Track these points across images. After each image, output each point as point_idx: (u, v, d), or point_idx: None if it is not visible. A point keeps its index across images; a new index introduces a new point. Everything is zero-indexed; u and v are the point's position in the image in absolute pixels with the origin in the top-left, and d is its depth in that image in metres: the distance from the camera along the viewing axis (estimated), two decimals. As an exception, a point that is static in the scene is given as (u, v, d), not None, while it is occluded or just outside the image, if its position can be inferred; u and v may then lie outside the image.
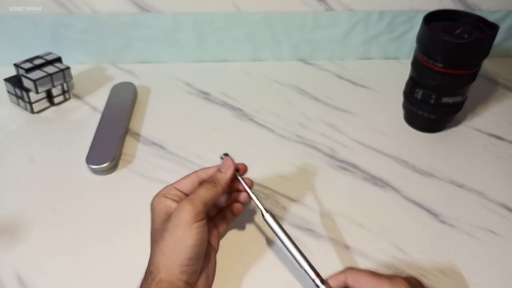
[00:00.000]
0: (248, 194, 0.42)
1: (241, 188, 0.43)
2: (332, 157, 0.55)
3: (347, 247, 0.45)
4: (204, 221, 0.38)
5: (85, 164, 0.52)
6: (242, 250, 0.45)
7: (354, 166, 0.54)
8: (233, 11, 0.68)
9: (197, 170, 0.43)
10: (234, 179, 0.42)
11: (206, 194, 0.39)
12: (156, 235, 0.38)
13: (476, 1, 0.69)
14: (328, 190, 0.51)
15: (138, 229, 0.46)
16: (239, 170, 0.43)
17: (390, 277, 0.35)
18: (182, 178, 0.42)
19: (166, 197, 0.40)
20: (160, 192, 0.41)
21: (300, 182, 0.52)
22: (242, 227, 0.47)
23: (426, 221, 0.48)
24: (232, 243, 0.45)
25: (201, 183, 0.42)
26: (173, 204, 0.39)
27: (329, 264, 0.43)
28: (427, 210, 0.49)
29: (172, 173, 0.53)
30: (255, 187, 0.51)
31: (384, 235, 0.46)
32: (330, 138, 0.58)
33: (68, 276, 0.42)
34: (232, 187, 0.43)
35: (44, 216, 0.47)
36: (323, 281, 0.36)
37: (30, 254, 0.44)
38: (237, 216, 0.45)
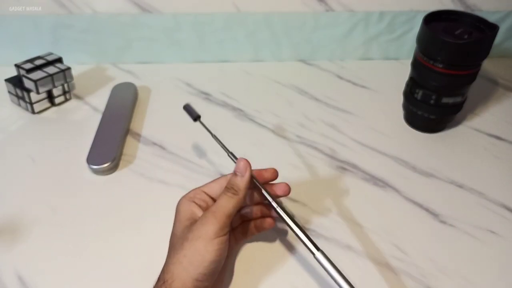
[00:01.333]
0: (274, 207, 0.38)
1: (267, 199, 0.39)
2: (332, 157, 0.56)
3: (347, 247, 0.45)
4: (227, 236, 0.36)
5: (85, 164, 0.52)
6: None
7: (354, 166, 0.54)
8: (233, 11, 0.68)
9: (227, 174, 0.40)
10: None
11: (228, 204, 0.36)
12: (176, 242, 0.37)
13: (476, 1, 0.69)
14: (328, 190, 0.51)
15: (138, 229, 0.46)
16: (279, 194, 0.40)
17: None
18: (211, 181, 0.40)
19: (193, 201, 0.38)
20: (187, 194, 0.39)
21: (300, 182, 0.52)
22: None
23: (426, 221, 0.48)
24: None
25: None
26: (198, 211, 0.38)
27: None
28: (427, 210, 0.49)
29: (172, 173, 0.53)
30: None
31: (384, 235, 0.46)
32: (330, 138, 0.59)
33: (68, 276, 0.42)
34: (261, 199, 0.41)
35: (44, 216, 0.47)
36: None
37: (31, 254, 0.44)
38: (261, 232, 0.43)
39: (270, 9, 0.68)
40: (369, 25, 0.71)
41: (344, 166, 0.54)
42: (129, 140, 0.58)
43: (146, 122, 0.61)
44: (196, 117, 0.42)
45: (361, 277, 0.42)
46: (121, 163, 0.54)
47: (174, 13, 0.67)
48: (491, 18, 0.57)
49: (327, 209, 0.49)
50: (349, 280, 0.35)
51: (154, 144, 0.57)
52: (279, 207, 0.38)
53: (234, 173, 0.39)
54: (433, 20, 0.55)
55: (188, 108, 0.44)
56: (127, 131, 0.58)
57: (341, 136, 0.59)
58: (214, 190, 0.40)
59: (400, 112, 0.62)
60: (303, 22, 0.70)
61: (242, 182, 0.38)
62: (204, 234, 0.35)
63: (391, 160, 0.55)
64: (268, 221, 0.42)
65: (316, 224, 0.47)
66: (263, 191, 0.39)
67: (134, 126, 0.60)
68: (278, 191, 0.41)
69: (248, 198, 0.42)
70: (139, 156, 0.55)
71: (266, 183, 0.42)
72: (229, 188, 0.38)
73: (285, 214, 0.38)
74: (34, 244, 0.45)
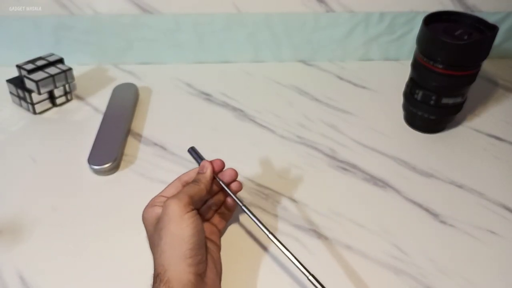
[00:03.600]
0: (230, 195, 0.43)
1: (226, 187, 0.43)
2: (333, 158, 0.56)
3: (347, 247, 0.45)
4: (195, 211, 0.38)
5: (87, 165, 0.52)
6: (247, 248, 0.45)
7: (354, 166, 0.54)
8: (234, 12, 0.68)
9: (180, 175, 0.44)
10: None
11: (190, 189, 0.40)
12: (153, 239, 0.38)
13: (476, 2, 0.69)
14: (328, 190, 0.51)
15: (139, 229, 0.46)
16: (216, 170, 0.43)
17: None
18: (167, 186, 0.43)
19: (155, 205, 0.41)
20: (148, 204, 0.42)
21: (300, 182, 0.52)
22: (243, 225, 0.47)
23: (426, 221, 0.48)
24: (236, 242, 0.45)
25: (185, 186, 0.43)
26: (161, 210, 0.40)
27: (329, 264, 0.43)
28: (427, 210, 0.49)
29: (173, 173, 0.52)
30: (256, 187, 0.51)
31: (384, 235, 0.46)
32: (331, 139, 0.59)
33: (69, 275, 0.42)
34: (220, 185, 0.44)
35: (46, 216, 0.48)
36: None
37: (32, 253, 0.44)
38: (233, 211, 0.46)
39: (270, 10, 0.68)
40: (369, 26, 0.71)
41: (344, 167, 0.54)
42: (130, 140, 0.58)
43: (147, 122, 0.61)
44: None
45: (361, 277, 0.42)
46: (122, 163, 0.54)
47: (175, 14, 0.68)
48: (491, 19, 0.57)
49: (328, 209, 0.49)
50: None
51: (155, 144, 0.57)
52: (236, 198, 0.42)
53: (198, 172, 0.43)
54: (433, 21, 0.55)
55: (192, 153, 0.47)
56: (128, 132, 0.59)
57: (341, 137, 0.59)
58: (171, 191, 0.42)
59: (400, 113, 0.63)
60: (303, 23, 0.70)
61: (204, 177, 0.42)
62: (172, 216, 0.37)
63: (391, 161, 0.55)
64: (229, 201, 0.44)
65: (317, 224, 0.47)
66: (223, 186, 0.43)
67: (135, 126, 0.60)
68: (226, 178, 0.44)
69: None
70: (140, 156, 0.55)
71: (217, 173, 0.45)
72: (192, 181, 0.41)
73: (240, 203, 0.42)
74: (35, 244, 0.45)
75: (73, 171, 0.53)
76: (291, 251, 0.38)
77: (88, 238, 0.46)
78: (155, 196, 0.42)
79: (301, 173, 0.53)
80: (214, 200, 0.45)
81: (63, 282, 0.42)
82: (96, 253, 0.44)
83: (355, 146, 0.58)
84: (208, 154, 0.56)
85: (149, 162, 0.55)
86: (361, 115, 0.63)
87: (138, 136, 0.59)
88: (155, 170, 0.53)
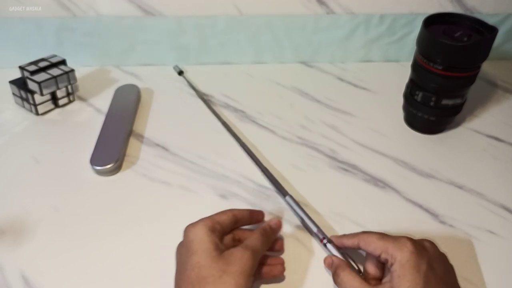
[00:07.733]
0: None
1: None
2: (333, 158, 0.56)
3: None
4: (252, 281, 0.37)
5: (89, 165, 0.53)
6: None
7: (354, 167, 0.55)
8: (235, 14, 0.68)
9: (233, 210, 0.42)
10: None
11: (262, 247, 0.39)
12: (208, 274, 0.35)
13: (476, 4, 0.70)
14: (329, 191, 0.52)
15: (141, 230, 0.46)
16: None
17: (395, 238, 0.37)
18: (221, 213, 0.41)
19: (213, 231, 0.38)
20: (203, 223, 0.38)
21: (301, 183, 0.52)
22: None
23: (426, 222, 0.48)
24: None
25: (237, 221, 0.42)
26: (218, 241, 0.38)
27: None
28: (427, 210, 0.49)
29: (175, 174, 0.53)
30: (257, 188, 0.51)
31: (385, 235, 0.46)
32: (331, 140, 0.59)
33: (71, 276, 0.42)
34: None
35: (48, 216, 0.48)
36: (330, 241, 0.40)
37: (35, 254, 0.44)
38: (270, 278, 0.42)
39: (271, 12, 0.68)
40: (369, 28, 0.71)
41: (345, 167, 0.55)
42: (132, 141, 0.58)
43: (149, 123, 0.61)
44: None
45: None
46: (124, 164, 0.55)
47: (177, 16, 0.68)
48: (490, 21, 0.57)
49: (328, 209, 0.49)
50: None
51: (157, 145, 0.58)
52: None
53: (271, 226, 0.42)
54: (433, 22, 0.55)
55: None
56: (130, 133, 0.59)
57: (341, 138, 0.59)
58: (226, 223, 0.40)
59: (400, 114, 0.63)
60: (304, 25, 0.70)
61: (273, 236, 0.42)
62: (246, 270, 0.36)
63: (391, 161, 0.56)
64: (279, 268, 0.41)
65: (317, 224, 0.47)
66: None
67: (137, 127, 0.60)
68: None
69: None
70: (142, 157, 0.56)
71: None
72: (264, 234, 0.40)
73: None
74: (38, 244, 0.45)
75: (75, 172, 0.53)
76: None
77: (90, 239, 0.46)
78: (210, 220, 0.39)
79: (301, 173, 0.54)
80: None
81: (65, 282, 0.42)
82: (98, 253, 0.44)
83: (356, 147, 0.58)
84: (209, 155, 0.56)
85: (151, 163, 0.55)
86: (362, 116, 0.63)
87: (140, 137, 0.59)
88: (157, 170, 0.54)
